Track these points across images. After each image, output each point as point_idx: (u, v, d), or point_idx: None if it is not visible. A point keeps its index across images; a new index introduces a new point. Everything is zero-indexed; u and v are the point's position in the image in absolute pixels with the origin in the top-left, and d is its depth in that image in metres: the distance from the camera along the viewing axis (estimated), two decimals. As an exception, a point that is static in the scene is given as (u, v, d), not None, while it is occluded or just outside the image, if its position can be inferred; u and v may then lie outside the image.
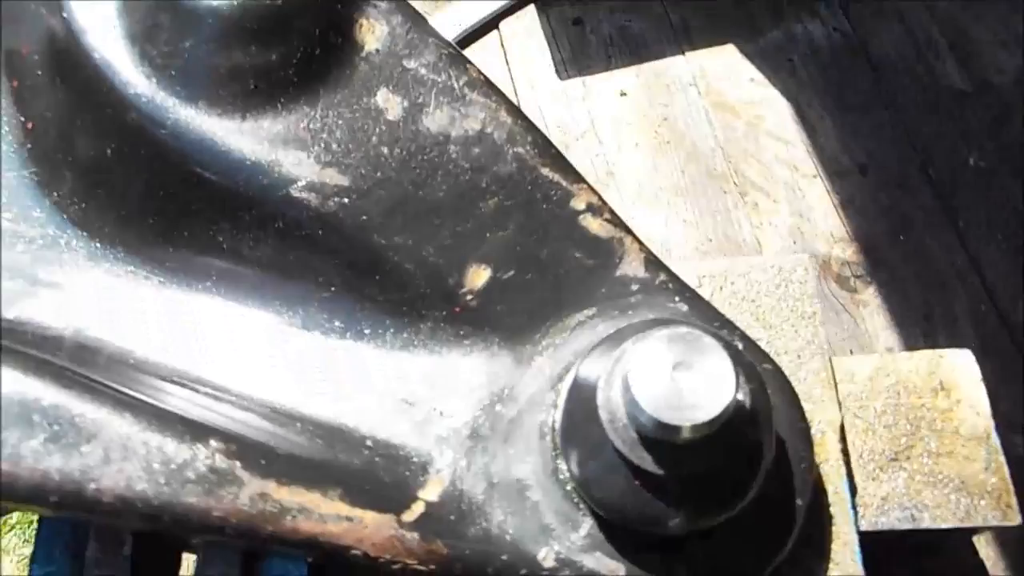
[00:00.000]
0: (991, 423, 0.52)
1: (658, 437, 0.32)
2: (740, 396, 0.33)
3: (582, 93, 1.00)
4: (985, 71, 0.94)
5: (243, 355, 0.44)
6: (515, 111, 0.46)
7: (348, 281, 0.44)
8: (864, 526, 0.49)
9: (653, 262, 0.44)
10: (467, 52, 0.71)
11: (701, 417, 0.30)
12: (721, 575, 0.38)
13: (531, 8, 1.06)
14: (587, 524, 0.39)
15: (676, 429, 0.31)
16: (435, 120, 0.45)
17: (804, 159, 0.92)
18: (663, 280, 0.44)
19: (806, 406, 0.48)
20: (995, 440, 0.52)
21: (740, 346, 0.41)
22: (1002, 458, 0.51)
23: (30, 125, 0.47)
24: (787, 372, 0.49)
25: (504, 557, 0.38)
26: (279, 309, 0.45)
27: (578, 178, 0.46)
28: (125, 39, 0.43)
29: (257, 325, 0.45)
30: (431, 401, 0.42)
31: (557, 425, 0.39)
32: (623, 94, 0.99)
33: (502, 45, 1.06)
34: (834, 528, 0.45)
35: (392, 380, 0.43)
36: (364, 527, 0.37)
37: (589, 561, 0.38)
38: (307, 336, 0.44)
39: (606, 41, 1.04)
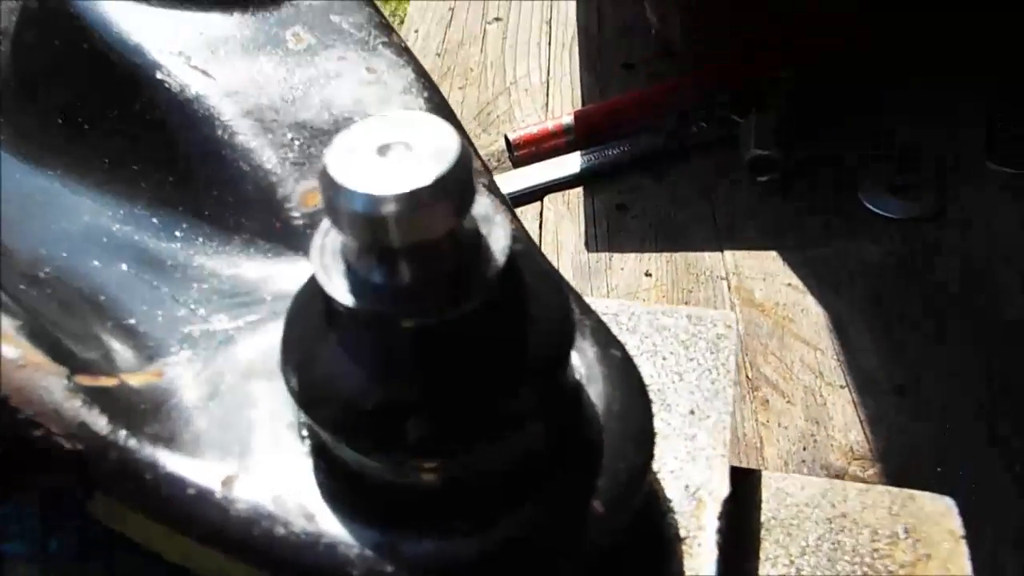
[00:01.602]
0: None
1: (366, 240, 0.23)
2: (488, 212, 0.25)
3: (605, 266, 0.97)
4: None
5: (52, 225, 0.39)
6: (422, 73, 0.44)
7: (181, 176, 0.39)
8: None
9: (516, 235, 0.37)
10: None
11: (420, 181, 0.22)
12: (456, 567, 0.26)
13: (579, 189, 1.08)
14: (301, 455, 0.28)
15: (379, 204, 0.22)
16: (334, 59, 0.43)
17: (833, 368, 0.82)
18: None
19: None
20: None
21: (576, 310, 0.32)
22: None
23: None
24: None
25: (173, 469, 0.28)
26: (107, 201, 0.41)
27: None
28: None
29: (81, 210, 0.40)
30: (202, 303, 0.35)
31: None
32: (648, 274, 0.95)
33: (541, 213, 1.06)
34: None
35: (178, 277, 0.36)
36: (22, 366, 0.29)
37: (278, 499, 0.27)
38: (123, 229, 0.39)
39: (644, 227, 1.02)
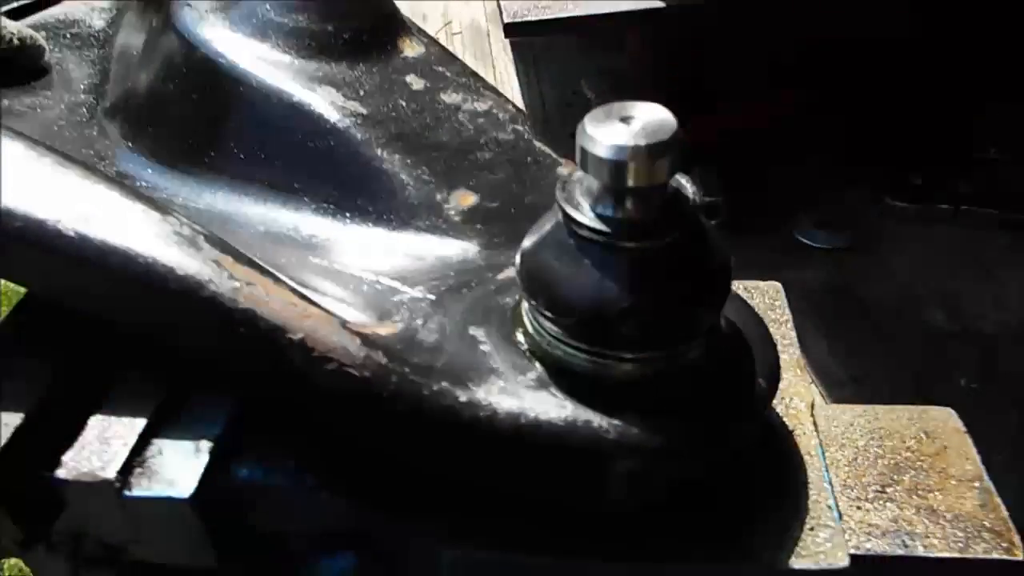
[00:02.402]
0: (982, 469, 0.48)
1: (613, 181, 0.33)
2: (681, 180, 0.35)
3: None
4: (966, 318, 1.00)
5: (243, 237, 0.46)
6: (519, 109, 0.54)
7: (345, 192, 0.47)
8: (849, 551, 0.44)
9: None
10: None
11: (648, 140, 0.32)
12: (673, 425, 0.34)
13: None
14: (536, 371, 0.37)
15: (624, 152, 0.32)
16: (451, 96, 0.52)
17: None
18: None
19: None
20: (988, 483, 0.47)
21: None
22: (999, 500, 0.47)
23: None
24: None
25: (444, 383, 0.35)
26: (274, 212, 0.48)
27: (566, 155, 0.51)
28: (215, 10, 0.53)
29: (253, 221, 0.47)
30: (400, 279, 0.43)
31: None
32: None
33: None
34: (810, 486, 0.41)
35: (370, 265, 0.44)
36: (307, 315, 0.36)
37: (533, 397, 0.35)
38: (298, 231, 0.47)
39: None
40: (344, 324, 0.36)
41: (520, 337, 0.38)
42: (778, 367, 0.39)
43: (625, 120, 0.34)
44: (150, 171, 0.51)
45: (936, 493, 0.47)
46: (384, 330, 0.38)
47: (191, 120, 0.51)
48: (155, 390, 0.38)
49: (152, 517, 0.36)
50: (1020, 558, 0.44)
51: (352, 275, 0.44)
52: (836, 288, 1.07)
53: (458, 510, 0.37)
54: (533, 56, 1.62)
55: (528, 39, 1.37)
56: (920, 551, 0.44)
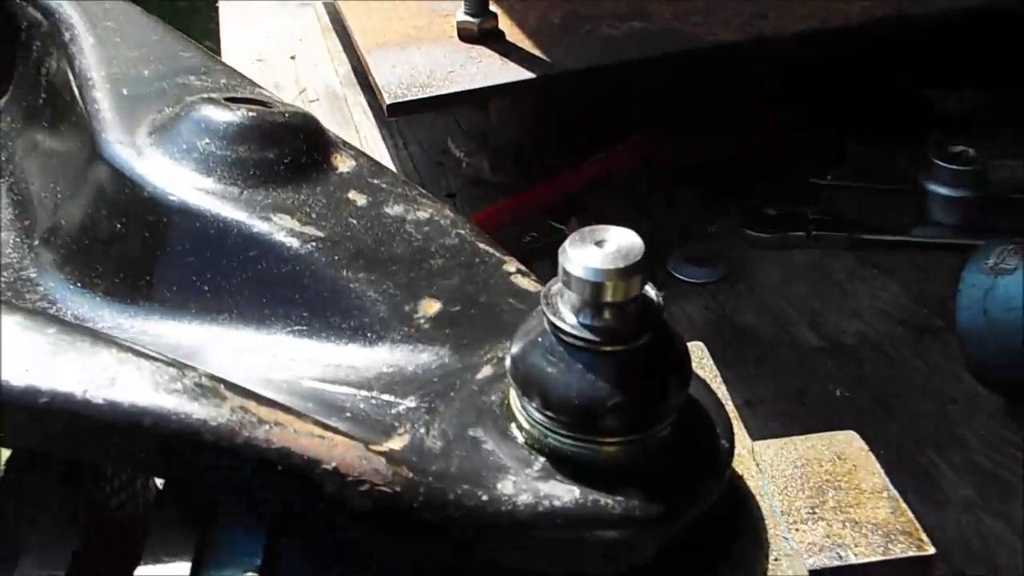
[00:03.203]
0: (887, 480, 0.58)
1: (592, 299, 0.38)
2: (648, 291, 0.41)
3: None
4: (831, 332, 1.15)
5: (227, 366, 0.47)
6: (456, 211, 0.59)
7: (317, 313, 0.51)
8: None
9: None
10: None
11: (623, 263, 0.38)
12: (663, 493, 0.40)
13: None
14: (540, 462, 0.42)
15: (602, 275, 0.38)
16: (393, 209, 0.57)
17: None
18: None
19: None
20: (894, 491, 0.57)
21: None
22: (904, 505, 0.56)
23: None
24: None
25: (465, 486, 0.40)
26: (248, 336, 0.50)
27: (508, 253, 0.57)
28: (150, 145, 0.55)
29: (237, 346, 0.49)
30: (388, 392, 0.46)
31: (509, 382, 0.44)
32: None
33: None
34: (767, 521, 0.48)
35: (358, 381, 0.47)
36: (335, 446, 0.39)
37: (544, 486, 0.40)
38: (278, 359, 0.49)
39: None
40: (368, 447, 0.40)
41: (515, 431, 0.43)
42: (731, 426, 0.46)
43: (599, 244, 0.40)
44: (108, 311, 0.51)
45: (856, 507, 0.55)
46: (396, 444, 0.42)
47: (143, 258, 0.52)
48: (187, 532, 0.39)
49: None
50: (932, 552, 0.53)
51: (346, 393, 0.47)
52: (716, 319, 1.18)
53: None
54: (396, 121, 1.68)
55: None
56: (852, 559, 0.53)
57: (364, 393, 0.47)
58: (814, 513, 0.56)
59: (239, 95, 0.61)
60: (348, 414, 0.45)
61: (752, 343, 1.15)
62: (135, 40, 0.68)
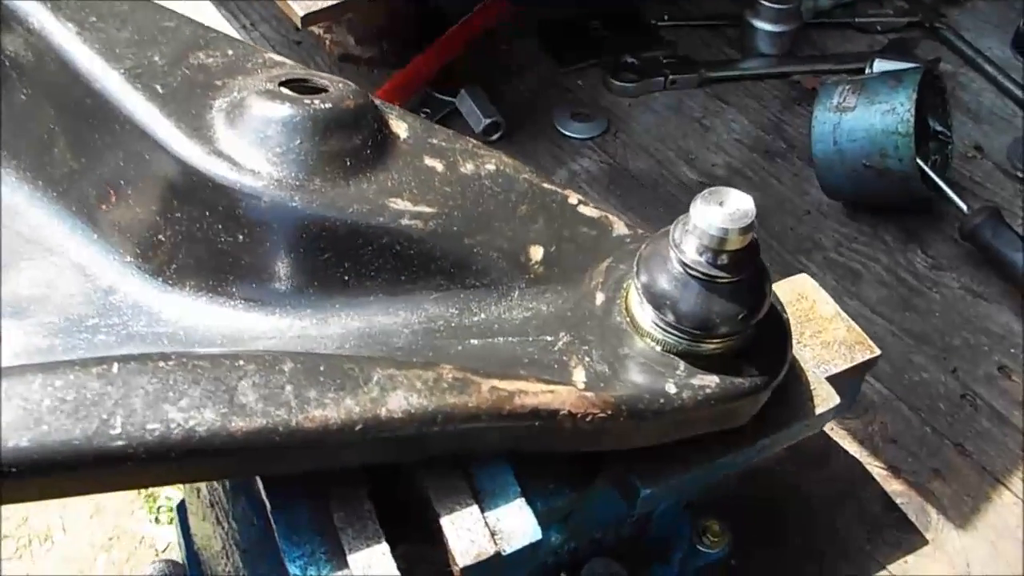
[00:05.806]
0: (836, 306, 0.79)
1: (716, 247, 0.52)
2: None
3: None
4: (703, 166, 1.36)
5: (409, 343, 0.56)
6: (515, 160, 0.68)
7: (452, 277, 0.60)
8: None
9: (630, 224, 0.67)
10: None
11: (745, 221, 0.52)
12: (764, 370, 0.58)
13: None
14: (681, 364, 0.57)
15: (724, 232, 0.52)
16: (466, 167, 0.65)
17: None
18: (642, 233, 0.66)
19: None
20: (844, 314, 0.79)
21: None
22: (852, 322, 0.78)
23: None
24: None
25: (646, 396, 0.54)
26: (405, 315, 0.59)
27: (564, 186, 0.67)
28: (246, 156, 0.57)
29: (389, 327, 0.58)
30: (546, 335, 0.58)
31: (634, 309, 0.57)
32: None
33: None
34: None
35: (509, 334, 0.58)
36: (562, 395, 0.51)
37: (695, 379, 0.56)
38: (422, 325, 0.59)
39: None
40: (577, 389, 0.52)
41: (651, 343, 0.57)
42: (789, 321, 0.63)
43: (721, 204, 0.53)
44: (287, 320, 0.57)
45: (823, 333, 0.77)
46: (580, 376, 0.55)
47: (279, 265, 0.57)
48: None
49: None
50: (878, 353, 0.76)
51: (510, 342, 0.58)
52: (609, 169, 1.34)
53: (654, 460, 0.58)
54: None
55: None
56: (834, 370, 0.74)
57: (523, 339, 0.58)
58: (800, 342, 0.76)
59: (283, 76, 0.63)
60: (526, 360, 0.56)
61: (647, 185, 1.33)
62: (114, 16, 0.65)
